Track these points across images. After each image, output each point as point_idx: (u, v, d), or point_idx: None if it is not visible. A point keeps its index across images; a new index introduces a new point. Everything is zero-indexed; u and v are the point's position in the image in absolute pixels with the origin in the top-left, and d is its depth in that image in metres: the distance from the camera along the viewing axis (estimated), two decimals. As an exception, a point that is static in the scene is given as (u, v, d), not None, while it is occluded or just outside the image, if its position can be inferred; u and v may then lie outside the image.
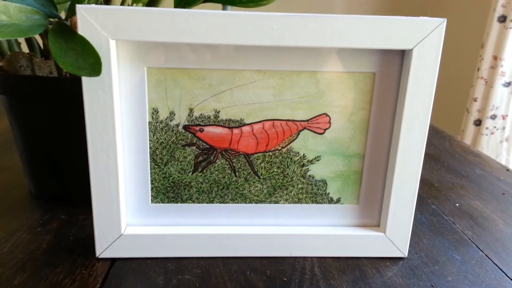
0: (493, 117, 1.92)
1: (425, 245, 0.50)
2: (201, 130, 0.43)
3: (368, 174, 0.46)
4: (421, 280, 0.44)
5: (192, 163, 0.44)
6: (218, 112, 0.43)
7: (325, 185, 0.46)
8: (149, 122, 0.42)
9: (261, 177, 0.45)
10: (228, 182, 0.45)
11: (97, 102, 0.38)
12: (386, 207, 0.45)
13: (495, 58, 1.85)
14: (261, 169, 0.45)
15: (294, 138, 0.44)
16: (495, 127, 1.93)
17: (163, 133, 0.43)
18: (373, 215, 0.48)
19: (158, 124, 0.42)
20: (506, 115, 1.91)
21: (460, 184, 0.71)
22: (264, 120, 0.43)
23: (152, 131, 0.42)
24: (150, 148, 0.43)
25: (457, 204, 0.64)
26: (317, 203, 0.47)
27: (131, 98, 0.41)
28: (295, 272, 0.43)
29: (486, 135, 1.94)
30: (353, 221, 0.48)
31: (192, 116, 0.42)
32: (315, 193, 0.46)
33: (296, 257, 0.45)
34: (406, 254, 0.46)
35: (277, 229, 0.46)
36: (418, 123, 0.42)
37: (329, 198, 0.47)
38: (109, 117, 0.39)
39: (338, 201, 0.47)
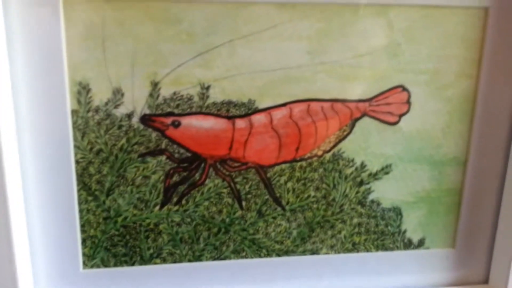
0: None
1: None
2: (176, 124, 0.28)
3: (472, 196, 0.33)
4: None
5: (160, 187, 0.29)
6: (207, 87, 0.28)
7: (399, 217, 0.33)
8: (72, 111, 0.27)
9: (287, 207, 0.31)
10: (228, 220, 0.31)
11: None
12: (501, 249, 0.32)
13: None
14: (287, 193, 0.31)
15: (346, 133, 0.31)
16: None
17: (102, 131, 0.28)
18: (478, 263, 0.35)
19: (91, 114, 0.27)
20: None
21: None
22: (291, 102, 0.30)
23: (79, 129, 0.27)
24: (78, 162, 0.28)
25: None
26: (386, 249, 0.33)
27: (35, 56, 0.25)
28: None
29: None
30: (446, 276, 0.34)
31: (158, 97, 0.27)
32: (381, 232, 0.33)
33: None
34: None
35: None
36: None
37: (405, 240, 0.34)
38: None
39: (421, 244, 0.34)
